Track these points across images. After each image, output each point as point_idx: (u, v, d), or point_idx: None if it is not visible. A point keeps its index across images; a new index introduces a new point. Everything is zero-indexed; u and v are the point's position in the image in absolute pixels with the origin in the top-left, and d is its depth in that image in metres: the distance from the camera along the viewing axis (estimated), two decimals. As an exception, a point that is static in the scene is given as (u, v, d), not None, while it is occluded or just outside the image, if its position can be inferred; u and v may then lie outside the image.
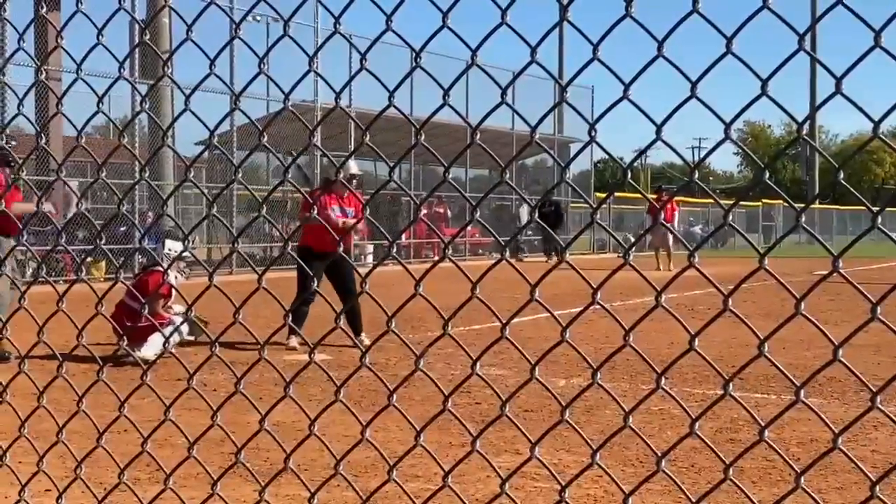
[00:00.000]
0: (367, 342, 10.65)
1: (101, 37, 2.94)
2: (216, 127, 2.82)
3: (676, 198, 35.86)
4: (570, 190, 40.51)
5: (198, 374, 3.02)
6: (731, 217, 2.01)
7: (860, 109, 1.85)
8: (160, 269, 10.82)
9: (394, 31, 2.26)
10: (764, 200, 55.08)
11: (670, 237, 28.58)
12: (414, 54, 2.29)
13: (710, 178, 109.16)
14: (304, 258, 11.10)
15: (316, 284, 2.98)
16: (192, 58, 2.90)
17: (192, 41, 2.75)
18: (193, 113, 2.80)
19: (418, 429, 2.50)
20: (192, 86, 2.96)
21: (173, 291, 10.56)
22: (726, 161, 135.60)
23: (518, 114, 2.26)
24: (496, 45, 2.54)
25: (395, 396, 2.50)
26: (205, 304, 3.18)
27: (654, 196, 31.32)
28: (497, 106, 2.24)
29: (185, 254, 9.60)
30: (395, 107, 2.23)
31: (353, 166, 13.12)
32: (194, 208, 35.42)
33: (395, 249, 2.32)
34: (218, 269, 3.46)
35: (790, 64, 1.98)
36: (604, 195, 42.16)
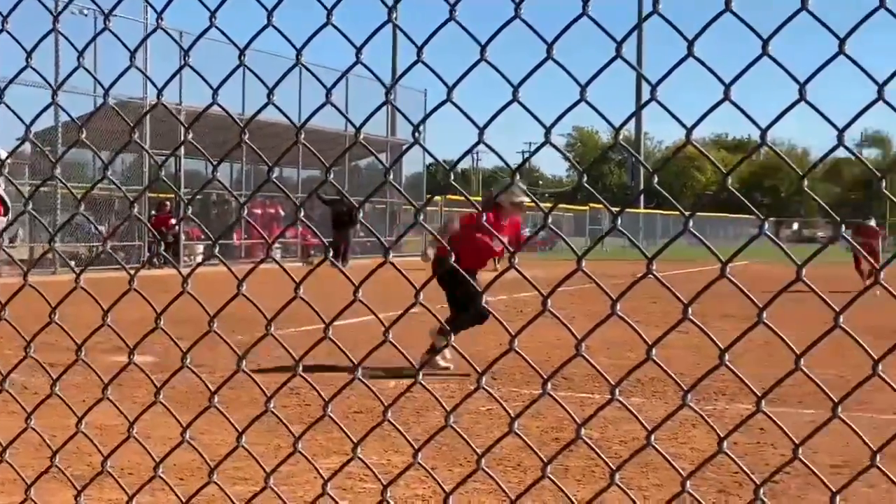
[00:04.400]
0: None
1: None
2: (32, 122, 2.73)
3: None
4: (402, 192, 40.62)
5: (17, 376, 2.92)
6: (550, 220, 2.05)
7: (673, 116, 1.92)
8: None
9: (217, 28, 2.23)
10: (591, 205, 56.46)
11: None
12: (238, 52, 2.26)
13: (540, 183, 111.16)
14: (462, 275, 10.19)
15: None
16: (16, 51, 2.80)
17: (9, 33, 2.66)
18: (9, 107, 2.70)
19: (240, 430, 2.47)
20: (7, 79, 2.85)
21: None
22: (556, 166, 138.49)
23: (343, 114, 2.26)
24: (332, 45, 2.53)
25: (216, 398, 2.46)
26: (21, 303, 3.07)
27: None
28: (322, 106, 2.24)
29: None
30: (218, 104, 2.20)
31: (521, 194, 11.20)
32: (16, 206, 34.12)
33: (217, 249, 2.28)
34: (35, 267, 3.35)
35: (612, 70, 2.04)
36: (439, 198, 42.55)
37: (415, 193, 41.54)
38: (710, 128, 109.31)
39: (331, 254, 2.45)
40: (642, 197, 62.70)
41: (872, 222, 25.25)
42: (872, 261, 2.37)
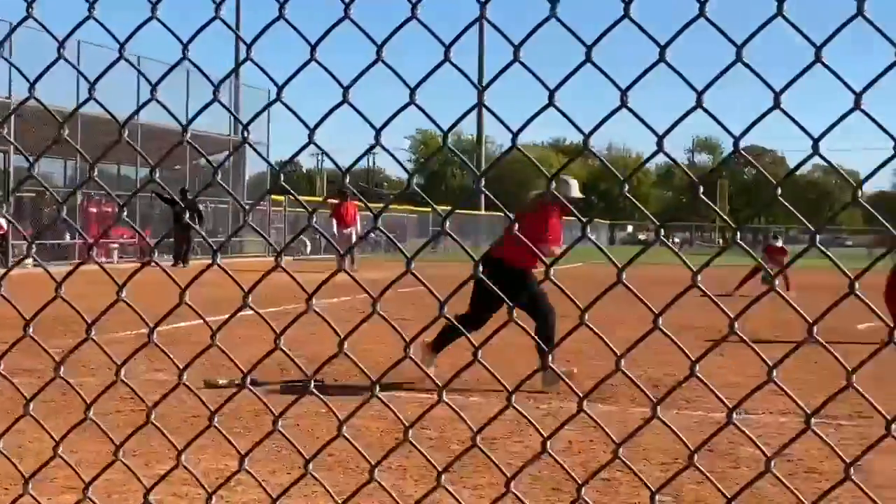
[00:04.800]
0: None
1: None
2: None
3: (357, 202, 36.05)
4: (245, 191, 40.28)
5: None
6: (380, 221, 2.05)
7: (499, 119, 1.94)
8: None
9: (34, 19, 2.14)
10: (438, 206, 56.74)
11: (353, 239, 29.09)
12: (58, 44, 2.18)
13: (385, 184, 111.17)
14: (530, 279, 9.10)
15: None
16: None
17: None
18: None
19: (57, 439, 2.39)
20: None
21: None
22: (400, 168, 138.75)
23: (168, 111, 2.20)
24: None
25: (31, 405, 2.37)
26: None
27: (336, 200, 31.57)
28: (147, 102, 2.17)
29: None
30: (35, 98, 2.12)
31: (575, 188, 10.28)
32: None
33: (34, 249, 2.20)
34: None
35: (442, 74, 2.04)
36: (281, 198, 42.23)
37: (258, 193, 41.16)
38: (549, 132, 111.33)
39: (156, 254, 2.39)
40: (483, 199, 63.27)
41: (779, 243, 26.79)
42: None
